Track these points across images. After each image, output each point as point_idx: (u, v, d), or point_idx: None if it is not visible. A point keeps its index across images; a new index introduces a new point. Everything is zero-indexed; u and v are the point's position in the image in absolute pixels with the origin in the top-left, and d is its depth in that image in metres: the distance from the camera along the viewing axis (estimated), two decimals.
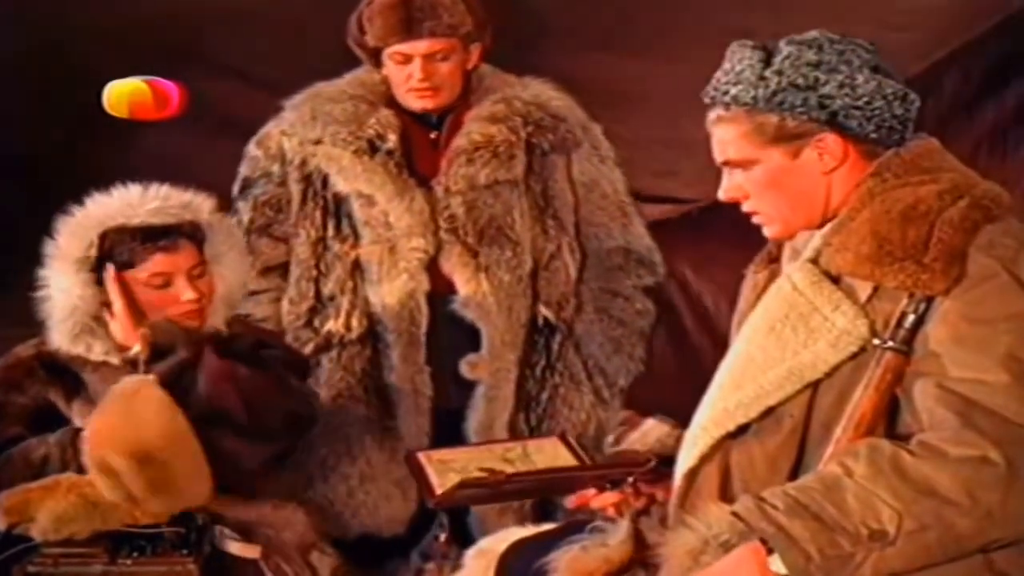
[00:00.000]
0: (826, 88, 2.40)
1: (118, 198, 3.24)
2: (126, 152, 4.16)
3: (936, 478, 2.24)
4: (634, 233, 3.94)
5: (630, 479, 2.61)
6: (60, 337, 3.24)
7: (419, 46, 3.76)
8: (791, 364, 2.39)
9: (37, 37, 4.31)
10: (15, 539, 3.02)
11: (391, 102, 3.84)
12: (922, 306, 2.35)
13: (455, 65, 3.80)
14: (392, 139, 3.79)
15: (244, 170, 3.92)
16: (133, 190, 3.25)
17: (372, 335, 3.83)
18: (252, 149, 3.91)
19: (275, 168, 3.87)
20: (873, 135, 2.43)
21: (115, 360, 3.24)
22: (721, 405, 2.44)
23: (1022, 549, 2.32)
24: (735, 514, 2.32)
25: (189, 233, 3.26)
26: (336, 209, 3.84)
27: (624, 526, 2.54)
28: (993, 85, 4.51)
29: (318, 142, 3.82)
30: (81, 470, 3.08)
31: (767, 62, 2.44)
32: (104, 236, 3.21)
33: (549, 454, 2.79)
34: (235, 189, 3.92)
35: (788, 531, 2.26)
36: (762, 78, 2.42)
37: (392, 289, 3.78)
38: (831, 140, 2.44)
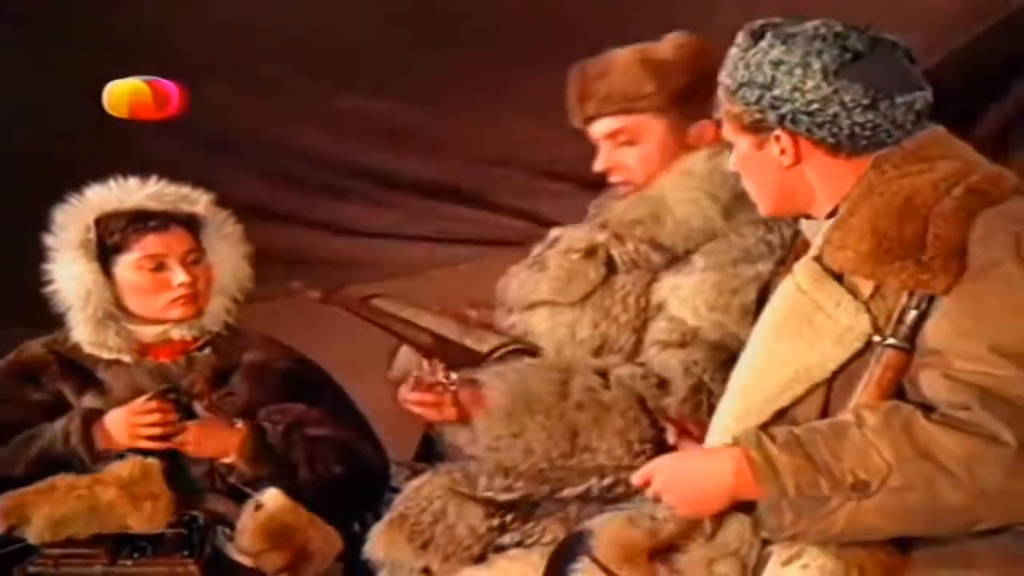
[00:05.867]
0: (778, 90, 2.39)
1: (115, 187, 3.26)
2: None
3: (942, 443, 2.21)
4: None
5: None
6: (84, 326, 3.24)
7: (598, 128, 2.96)
8: (798, 365, 2.37)
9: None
10: (16, 539, 3.02)
11: None
12: (924, 302, 2.32)
13: (653, 150, 2.92)
14: None
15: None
16: (131, 181, 3.27)
17: None
18: None
19: None
20: (830, 140, 2.40)
21: (127, 358, 3.26)
22: (732, 413, 2.42)
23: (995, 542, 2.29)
24: (735, 440, 2.32)
25: (183, 220, 3.26)
26: None
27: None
28: (994, 87, 4.50)
29: None
30: (91, 452, 3.11)
31: (750, 49, 2.43)
32: (99, 221, 3.23)
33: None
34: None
35: (774, 462, 2.27)
36: (737, 67, 2.43)
37: None
38: (785, 139, 2.43)
